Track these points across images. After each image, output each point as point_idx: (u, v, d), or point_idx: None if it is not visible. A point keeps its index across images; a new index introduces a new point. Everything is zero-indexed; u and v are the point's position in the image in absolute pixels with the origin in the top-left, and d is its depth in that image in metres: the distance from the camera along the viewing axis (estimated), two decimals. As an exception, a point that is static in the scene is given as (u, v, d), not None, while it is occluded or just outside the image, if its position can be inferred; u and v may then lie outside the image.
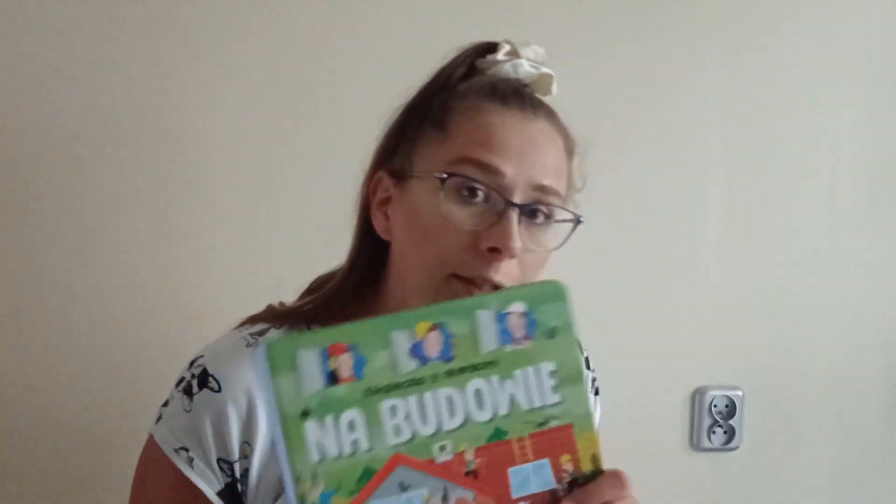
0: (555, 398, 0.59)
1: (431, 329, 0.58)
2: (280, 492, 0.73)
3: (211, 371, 0.75)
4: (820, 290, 1.31)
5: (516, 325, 0.59)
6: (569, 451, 0.60)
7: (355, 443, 0.57)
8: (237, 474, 0.75)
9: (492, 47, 0.80)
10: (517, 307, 0.59)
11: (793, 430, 1.31)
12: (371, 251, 0.80)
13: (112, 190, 1.10)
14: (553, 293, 0.59)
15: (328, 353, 0.56)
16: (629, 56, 1.23)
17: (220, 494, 0.74)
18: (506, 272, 0.72)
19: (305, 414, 0.56)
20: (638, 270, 1.25)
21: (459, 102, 0.77)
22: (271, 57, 1.12)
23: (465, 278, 0.72)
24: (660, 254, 1.26)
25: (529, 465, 0.59)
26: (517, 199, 0.73)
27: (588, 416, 0.60)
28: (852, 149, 1.31)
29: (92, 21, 1.08)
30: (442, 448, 0.58)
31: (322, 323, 0.80)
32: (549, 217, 0.76)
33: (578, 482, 0.59)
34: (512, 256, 0.72)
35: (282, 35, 1.13)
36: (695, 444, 1.29)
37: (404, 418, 0.57)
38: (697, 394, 1.28)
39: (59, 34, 1.08)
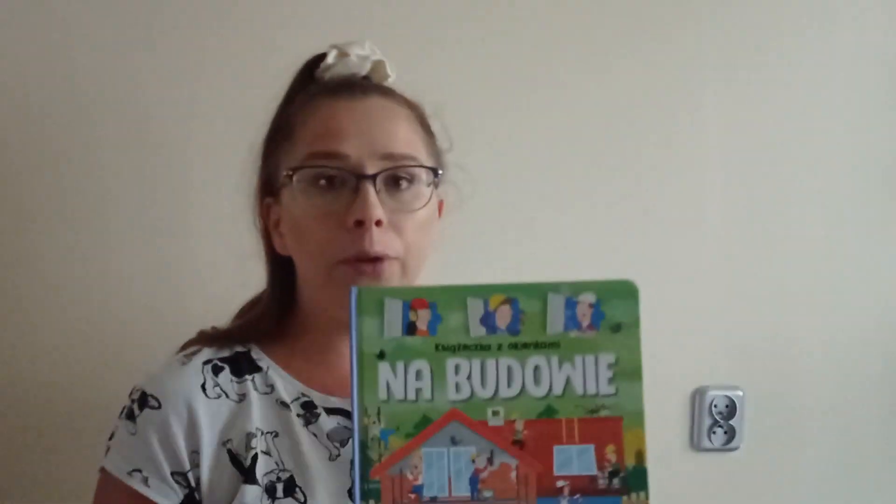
0: (609, 390, 0.63)
1: (504, 302, 0.63)
2: (233, 496, 0.75)
3: (149, 391, 0.79)
4: (820, 290, 1.30)
5: (584, 314, 0.63)
6: (614, 443, 0.63)
7: (419, 391, 0.63)
8: (193, 484, 0.77)
9: (322, 56, 0.86)
10: (587, 297, 0.63)
11: (793, 430, 1.31)
12: (282, 272, 0.85)
13: (100, 191, 1.11)
14: (625, 291, 0.63)
15: (410, 306, 0.63)
16: (629, 56, 1.24)
17: None
18: (382, 242, 0.76)
19: (381, 355, 0.63)
20: (637, 270, 1.22)
21: (298, 109, 0.82)
22: (259, 56, 1.13)
23: (349, 259, 0.76)
24: (659, 253, 1.26)
25: (574, 447, 0.63)
26: (369, 172, 0.77)
27: (639, 414, 0.63)
28: (852, 147, 1.30)
29: (80, 21, 1.09)
30: (495, 413, 0.63)
31: (255, 342, 0.84)
32: (411, 180, 0.80)
33: (619, 474, 0.62)
34: (377, 224, 0.75)
35: (268, 34, 1.14)
36: (695, 445, 1.29)
37: (466, 378, 0.63)
38: (697, 394, 1.28)
39: (47, 34, 1.08)
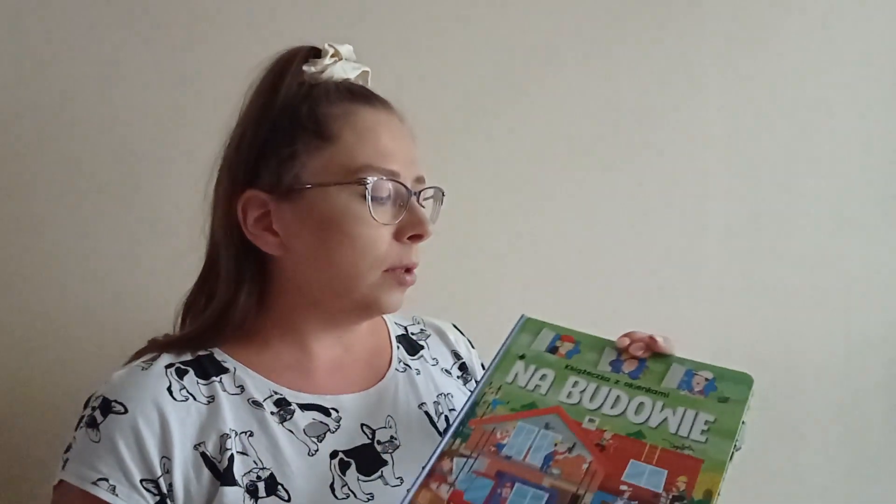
0: (700, 438, 0.67)
1: (634, 358, 0.75)
2: (210, 500, 0.72)
3: (112, 397, 0.74)
4: (821, 289, 1.28)
5: (698, 383, 0.72)
6: (688, 476, 0.64)
7: (537, 387, 0.74)
8: (164, 490, 0.72)
9: (317, 51, 0.83)
10: (705, 374, 0.72)
11: (794, 429, 1.28)
12: (253, 270, 0.81)
13: (80, 190, 1.09)
14: (742, 379, 0.71)
15: (560, 338, 0.78)
16: (631, 54, 1.23)
17: None
18: (417, 252, 0.81)
19: (522, 357, 0.77)
20: (638, 269, 1.23)
21: (330, 109, 0.79)
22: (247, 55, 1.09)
23: (396, 268, 0.79)
24: (660, 253, 1.24)
25: (649, 466, 0.66)
26: (414, 191, 0.81)
27: (722, 465, 0.65)
28: (855, 146, 1.28)
29: (67, 22, 1.09)
30: (591, 420, 0.70)
31: (217, 345, 0.80)
32: (427, 200, 0.84)
33: (683, 500, 0.62)
34: (428, 236, 0.80)
35: (254, 35, 1.11)
36: (694, 442, 1.02)
37: (580, 391, 0.73)
38: (699, 392, 1.06)
39: (32, 33, 1.08)
